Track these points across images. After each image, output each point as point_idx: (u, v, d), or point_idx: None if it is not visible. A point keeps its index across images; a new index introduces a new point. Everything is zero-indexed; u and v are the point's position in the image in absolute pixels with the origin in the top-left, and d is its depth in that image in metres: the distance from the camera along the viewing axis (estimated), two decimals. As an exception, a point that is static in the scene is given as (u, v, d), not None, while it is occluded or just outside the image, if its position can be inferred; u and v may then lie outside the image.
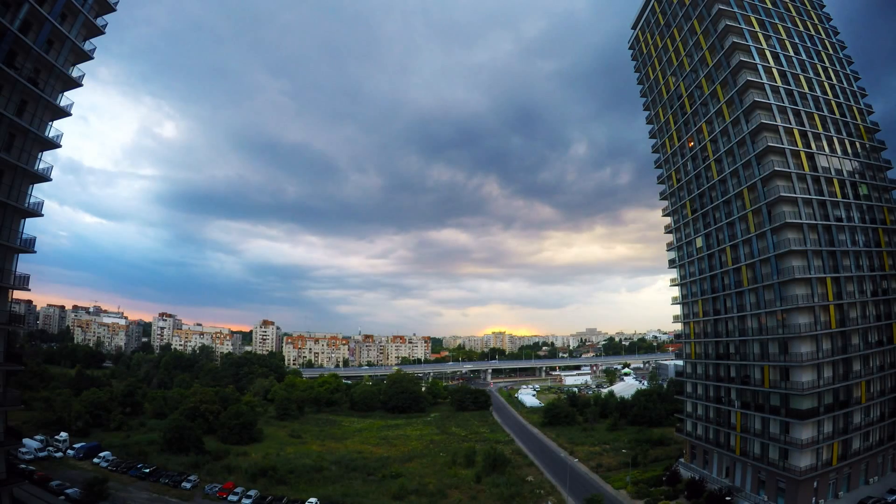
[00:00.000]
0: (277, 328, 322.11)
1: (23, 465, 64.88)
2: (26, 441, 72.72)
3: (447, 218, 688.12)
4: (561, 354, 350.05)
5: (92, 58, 51.35)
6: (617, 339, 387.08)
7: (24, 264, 47.05)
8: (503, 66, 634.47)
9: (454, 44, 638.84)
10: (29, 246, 47.09)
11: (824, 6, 79.41)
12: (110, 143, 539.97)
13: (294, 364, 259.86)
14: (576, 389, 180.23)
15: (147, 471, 70.97)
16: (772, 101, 62.97)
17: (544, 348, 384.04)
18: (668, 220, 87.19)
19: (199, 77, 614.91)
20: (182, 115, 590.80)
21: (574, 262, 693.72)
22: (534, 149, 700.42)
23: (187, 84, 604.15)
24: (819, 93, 68.41)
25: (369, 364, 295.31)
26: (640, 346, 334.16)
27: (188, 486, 67.15)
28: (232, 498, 64.24)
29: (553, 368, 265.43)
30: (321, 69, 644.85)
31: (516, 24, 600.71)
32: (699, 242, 77.18)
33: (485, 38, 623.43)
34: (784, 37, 69.90)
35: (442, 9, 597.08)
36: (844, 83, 72.73)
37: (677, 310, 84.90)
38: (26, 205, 46.29)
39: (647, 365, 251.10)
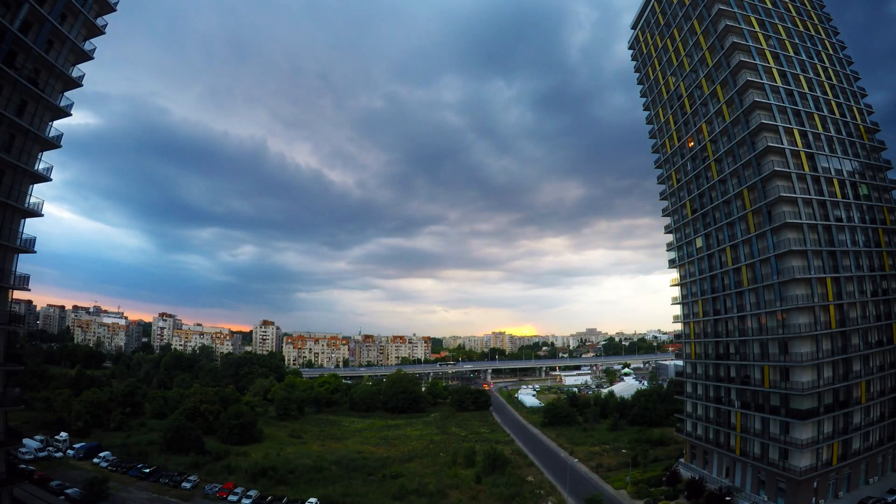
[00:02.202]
0: (277, 328, 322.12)
1: (23, 465, 64.92)
2: (26, 441, 72.72)
3: (448, 223, 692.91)
4: (561, 354, 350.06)
5: (92, 58, 51.36)
6: (617, 340, 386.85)
7: (24, 265, 47.09)
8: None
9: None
10: (29, 246, 47.07)
11: (824, 6, 79.40)
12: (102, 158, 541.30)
13: (294, 364, 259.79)
14: (576, 389, 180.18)
15: (147, 471, 71.00)
16: (772, 101, 62.99)
17: (544, 348, 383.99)
18: (668, 219, 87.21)
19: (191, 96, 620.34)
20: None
21: (573, 264, 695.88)
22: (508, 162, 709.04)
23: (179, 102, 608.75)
24: (819, 93, 68.42)
25: (369, 364, 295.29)
26: (640, 346, 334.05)
27: (188, 486, 67.16)
28: (232, 498, 64.25)
29: (553, 368, 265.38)
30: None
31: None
32: (699, 242, 77.18)
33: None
34: (784, 37, 69.91)
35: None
36: (844, 83, 72.73)
37: (677, 310, 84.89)
38: (26, 205, 46.28)
39: (647, 365, 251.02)
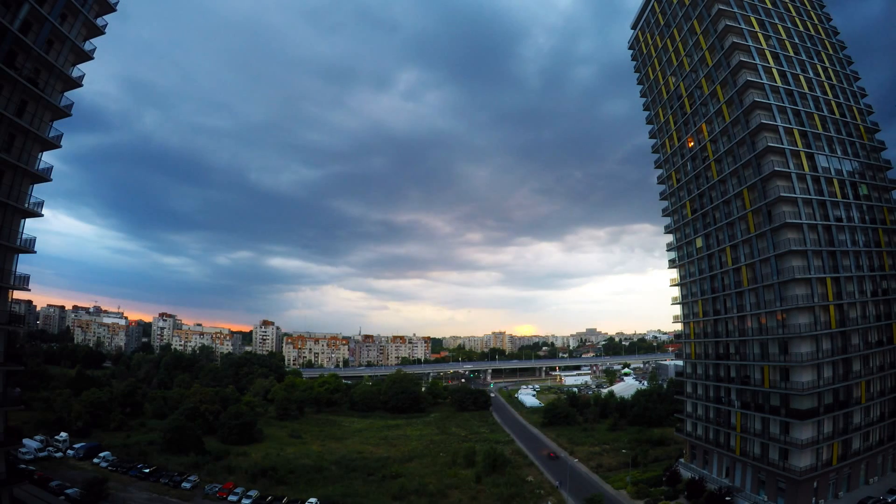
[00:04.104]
0: (277, 328, 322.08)
1: (23, 465, 64.83)
2: (26, 441, 72.65)
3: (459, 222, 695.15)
4: (561, 354, 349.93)
5: (92, 58, 51.40)
6: (617, 340, 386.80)
7: (24, 265, 47.09)
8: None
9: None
10: (29, 246, 47.08)
11: (824, 6, 79.48)
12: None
13: (294, 364, 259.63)
14: (576, 389, 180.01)
15: (147, 471, 70.96)
16: (772, 101, 63.01)
17: (544, 348, 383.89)
18: (668, 219, 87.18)
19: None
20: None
21: (572, 264, 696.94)
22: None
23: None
24: (819, 93, 68.44)
25: (369, 364, 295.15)
26: (640, 346, 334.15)
27: (188, 486, 67.12)
28: (232, 498, 64.24)
29: (553, 368, 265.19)
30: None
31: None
32: (699, 243, 77.20)
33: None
34: (784, 37, 69.94)
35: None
36: (844, 83, 72.76)
37: (677, 310, 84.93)
38: (26, 205, 46.28)
39: (647, 365, 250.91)
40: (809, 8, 76.94)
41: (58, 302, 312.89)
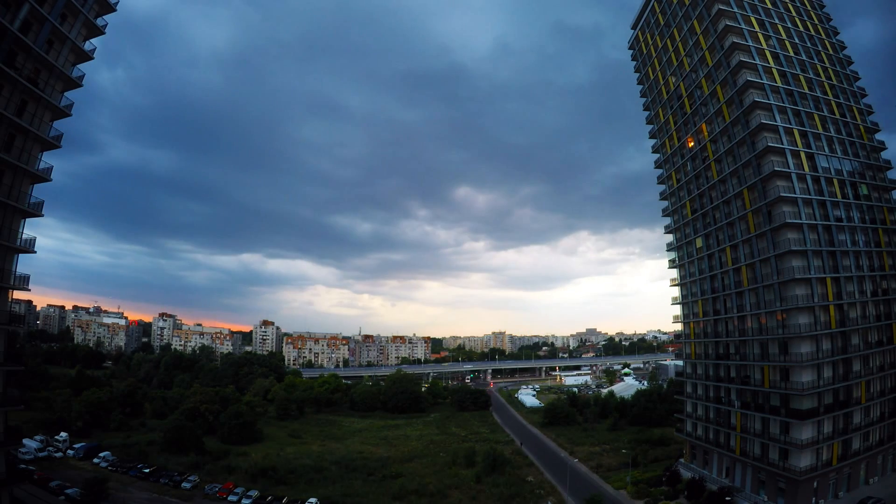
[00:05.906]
0: (277, 328, 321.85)
1: (23, 465, 64.76)
2: (26, 441, 72.59)
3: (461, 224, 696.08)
4: (561, 354, 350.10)
5: (92, 58, 51.46)
6: (617, 340, 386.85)
7: (24, 265, 47.11)
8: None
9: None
10: (29, 246, 47.11)
11: (824, 6, 79.48)
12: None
13: (294, 364, 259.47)
14: (576, 389, 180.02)
15: (147, 471, 70.91)
16: (772, 101, 63.02)
17: (544, 348, 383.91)
18: (668, 219, 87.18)
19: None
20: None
21: (573, 265, 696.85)
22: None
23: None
24: (819, 93, 68.44)
25: (369, 364, 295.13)
26: (640, 346, 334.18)
27: (188, 486, 67.10)
28: (232, 498, 64.18)
29: (553, 368, 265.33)
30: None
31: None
32: (699, 243, 77.21)
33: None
34: (784, 37, 69.95)
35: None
36: (844, 83, 72.75)
37: (677, 310, 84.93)
38: (26, 205, 46.29)
39: (647, 365, 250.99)
40: (809, 8, 76.95)
41: (58, 302, 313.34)
